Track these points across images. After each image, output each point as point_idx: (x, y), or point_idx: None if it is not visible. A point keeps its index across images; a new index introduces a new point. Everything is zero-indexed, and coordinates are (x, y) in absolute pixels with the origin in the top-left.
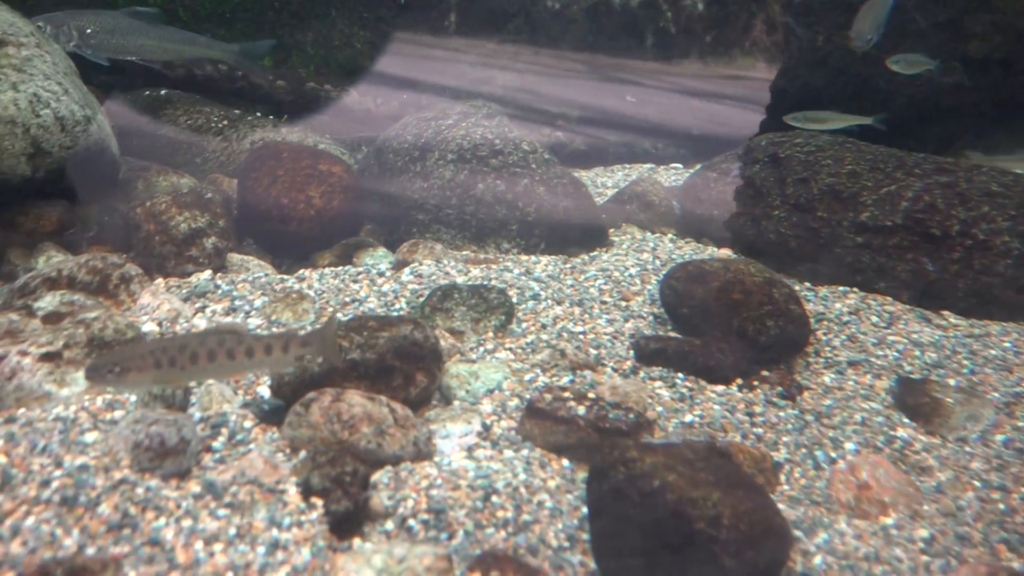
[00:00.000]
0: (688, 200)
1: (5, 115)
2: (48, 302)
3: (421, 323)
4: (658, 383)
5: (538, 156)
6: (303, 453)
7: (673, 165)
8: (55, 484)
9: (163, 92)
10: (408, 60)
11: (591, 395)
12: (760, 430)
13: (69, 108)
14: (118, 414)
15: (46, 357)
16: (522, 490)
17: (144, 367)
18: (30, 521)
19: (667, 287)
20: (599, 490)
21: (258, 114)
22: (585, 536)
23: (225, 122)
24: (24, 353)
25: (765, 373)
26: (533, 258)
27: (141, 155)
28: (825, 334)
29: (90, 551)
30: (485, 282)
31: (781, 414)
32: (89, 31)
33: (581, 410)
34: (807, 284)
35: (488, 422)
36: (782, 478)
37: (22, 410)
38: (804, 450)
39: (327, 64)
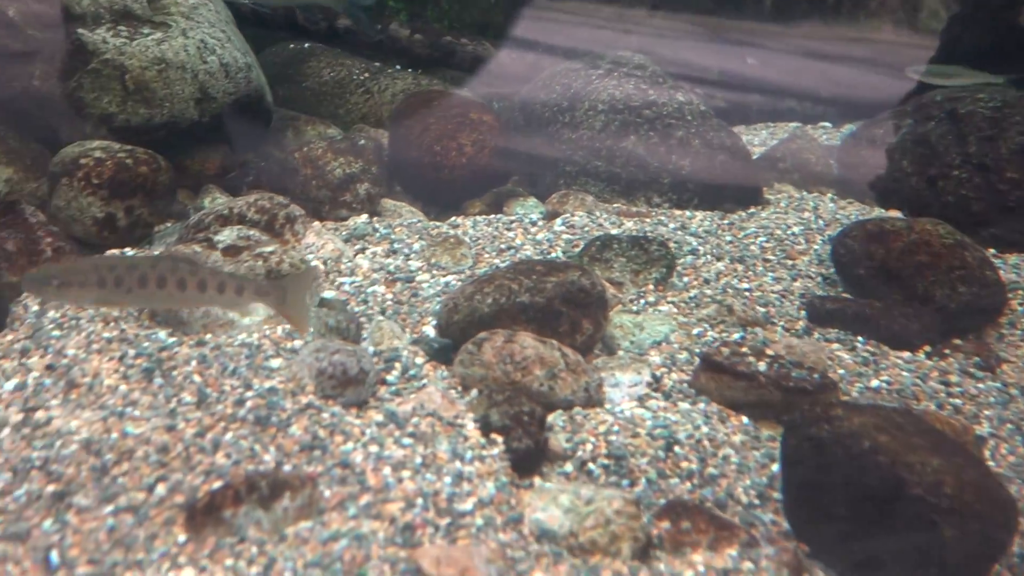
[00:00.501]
0: (848, 159)
1: (176, 60)
2: (227, 236)
3: (588, 270)
4: (835, 345)
5: (694, 108)
6: (475, 391)
7: (822, 124)
8: (248, 404)
9: (307, 45)
10: (539, 19)
11: (769, 352)
12: (958, 401)
13: (232, 55)
14: (298, 343)
15: None
16: (705, 443)
17: (87, 283)
18: (228, 436)
19: (841, 246)
20: (797, 448)
21: (397, 67)
22: (776, 495)
23: (366, 74)
24: None
25: (957, 342)
26: (687, 213)
27: (287, 106)
28: (1021, 304)
29: (287, 468)
30: (640, 234)
31: (980, 386)
32: None
33: (762, 366)
34: (992, 250)
35: (658, 374)
36: (986, 454)
37: (209, 335)
38: (1010, 425)
39: (460, 19)
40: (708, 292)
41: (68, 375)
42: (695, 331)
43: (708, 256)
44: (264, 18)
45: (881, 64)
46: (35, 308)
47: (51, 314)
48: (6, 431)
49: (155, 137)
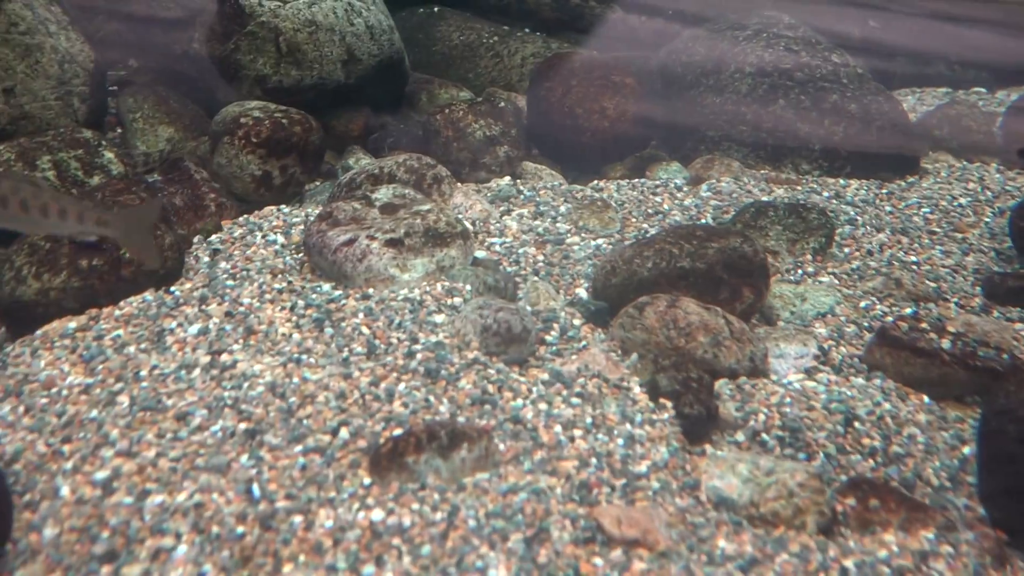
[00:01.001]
0: (1016, 127)
1: (326, 23)
2: (384, 194)
3: (749, 237)
4: (1019, 325)
5: (850, 71)
6: (634, 355)
7: (976, 89)
8: (418, 356)
9: (436, 9)
10: None
11: (951, 329)
12: None
13: (377, 17)
14: (457, 300)
15: (390, 243)
16: (888, 420)
17: None
18: (402, 386)
19: (1021, 219)
20: (1001, 433)
21: (526, 30)
22: (970, 479)
23: (495, 38)
24: (372, 238)
25: None
26: (841, 181)
27: (418, 69)
28: None
29: (461, 420)
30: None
31: None
32: None
33: (945, 343)
34: None
35: (826, 346)
36: None
37: (371, 289)
38: None
39: None
40: (872, 264)
41: (246, 322)
42: (862, 304)
43: (867, 227)
44: None
45: (1011, 26)
46: (206, 259)
47: (223, 264)
48: (196, 371)
49: (304, 98)
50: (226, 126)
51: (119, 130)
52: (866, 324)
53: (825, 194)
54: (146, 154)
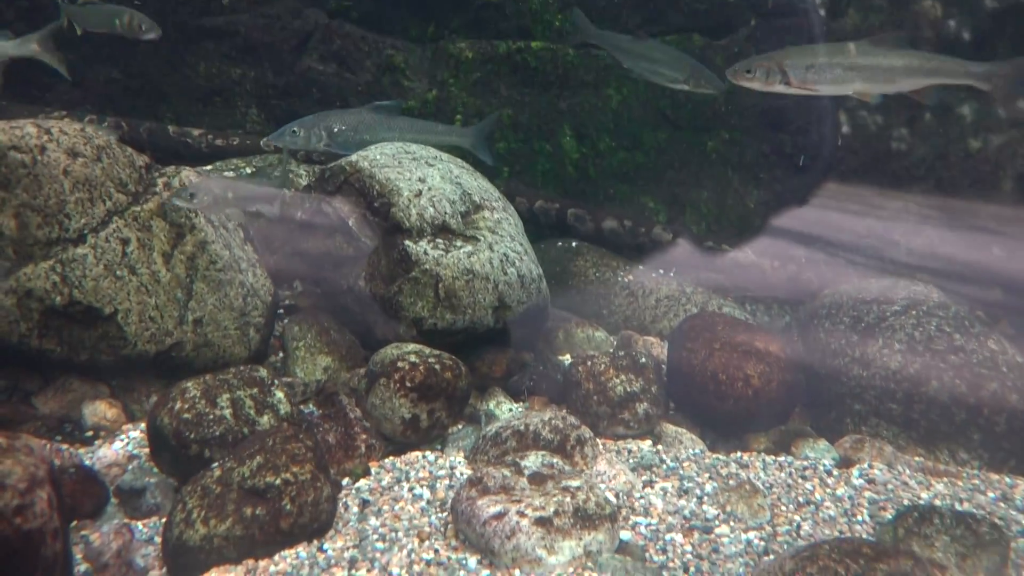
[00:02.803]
0: None
1: (482, 272)
2: (532, 462)
3: (920, 559)
4: None
5: (1009, 359)
6: None
7: None
8: None
9: (573, 244)
10: (802, 221)
11: None
12: None
13: (528, 267)
14: None
15: (539, 522)
16: None
17: None
18: None
19: None
20: None
21: (660, 271)
22: None
23: (630, 277)
24: (522, 515)
25: None
26: (1007, 480)
27: (553, 301)
28: None
29: None
30: (955, 502)
31: None
32: (336, 130)
33: None
34: None
35: None
36: None
37: (518, 571)
38: None
39: (719, 222)
40: None
41: None
42: None
43: None
44: (537, 217)
45: None
46: (355, 509)
47: (372, 521)
48: None
49: (453, 340)
50: (384, 368)
51: (281, 354)
52: None
53: (991, 495)
54: (304, 383)
